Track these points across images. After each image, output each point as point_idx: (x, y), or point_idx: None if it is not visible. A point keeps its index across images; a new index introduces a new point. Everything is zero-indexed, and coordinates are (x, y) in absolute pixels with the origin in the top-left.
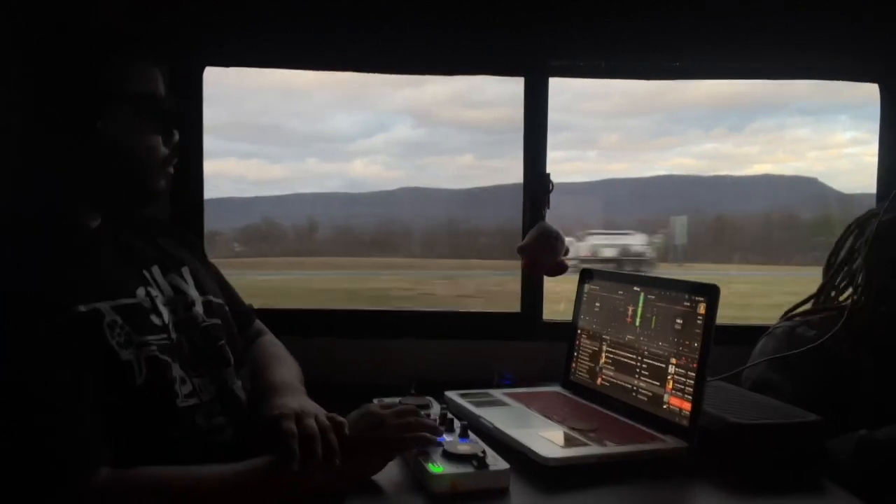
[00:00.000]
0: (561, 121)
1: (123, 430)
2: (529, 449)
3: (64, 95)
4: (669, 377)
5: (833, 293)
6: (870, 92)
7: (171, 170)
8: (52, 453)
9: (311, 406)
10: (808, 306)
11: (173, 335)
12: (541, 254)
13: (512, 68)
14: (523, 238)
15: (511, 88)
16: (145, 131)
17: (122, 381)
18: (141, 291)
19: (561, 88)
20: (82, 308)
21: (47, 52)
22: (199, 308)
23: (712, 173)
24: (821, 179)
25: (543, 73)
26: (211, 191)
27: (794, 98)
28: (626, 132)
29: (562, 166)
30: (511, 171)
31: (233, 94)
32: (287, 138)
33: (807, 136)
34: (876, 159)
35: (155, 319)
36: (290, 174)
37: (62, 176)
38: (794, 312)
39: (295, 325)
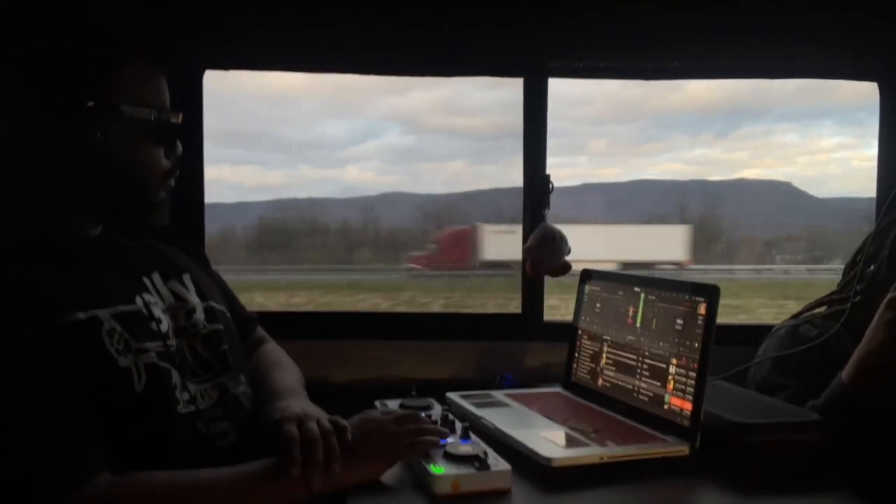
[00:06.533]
0: (549, 127)
1: (124, 437)
2: (531, 449)
3: (65, 106)
4: (670, 377)
5: (849, 293)
6: (853, 97)
7: (172, 182)
8: (46, 463)
9: (314, 409)
10: (821, 309)
11: (173, 342)
12: (545, 255)
13: (511, 69)
14: (524, 240)
15: (498, 95)
16: (147, 144)
17: (120, 387)
18: (140, 299)
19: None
20: (81, 315)
21: (49, 60)
22: (200, 314)
23: (700, 178)
24: (795, 184)
25: (543, 74)
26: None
27: (777, 103)
28: (613, 138)
29: (554, 171)
30: (501, 175)
31: (223, 102)
32: (279, 145)
33: (794, 141)
34: (865, 163)
35: (154, 326)
36: (286, 180)
37: (62, 186)
38: (805, 314)
39: (297, 327)
